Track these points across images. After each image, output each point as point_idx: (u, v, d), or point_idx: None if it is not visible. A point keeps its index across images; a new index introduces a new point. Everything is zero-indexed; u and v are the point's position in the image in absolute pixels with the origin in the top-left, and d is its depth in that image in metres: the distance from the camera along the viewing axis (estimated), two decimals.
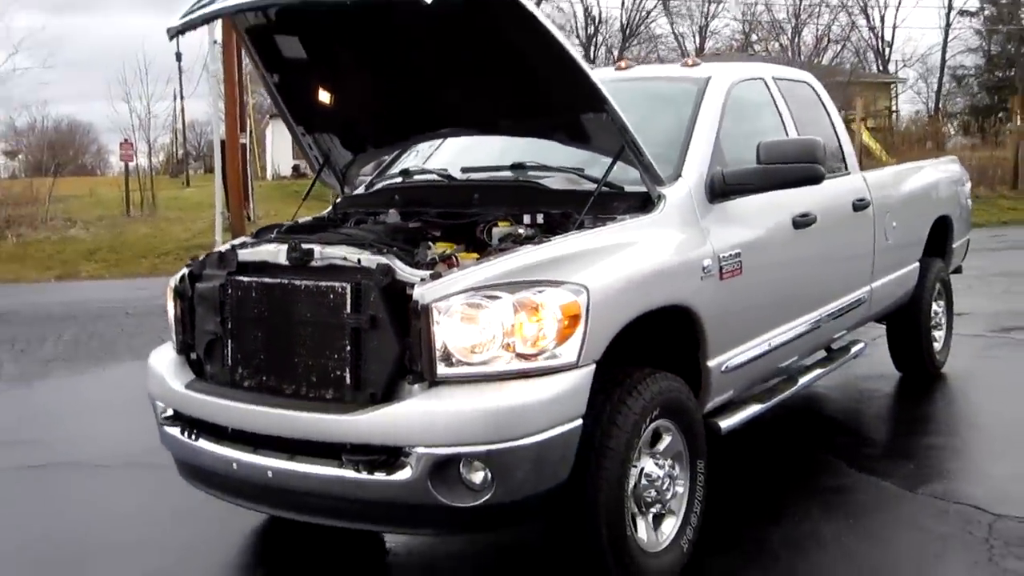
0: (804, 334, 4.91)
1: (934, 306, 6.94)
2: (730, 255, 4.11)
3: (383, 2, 3.12)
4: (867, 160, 27.28)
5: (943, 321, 7.17)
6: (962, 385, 6.88)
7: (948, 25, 54.28)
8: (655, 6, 48.81)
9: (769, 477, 5.14)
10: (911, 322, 6.71)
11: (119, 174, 26.80)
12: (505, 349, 3.22)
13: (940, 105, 53.62)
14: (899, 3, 67.44)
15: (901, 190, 6.34)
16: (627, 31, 48.10)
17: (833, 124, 5.73)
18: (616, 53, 47.16)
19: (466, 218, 4.07)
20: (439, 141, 4.97)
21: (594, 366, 3.34)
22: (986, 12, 53.89)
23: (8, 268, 16.21)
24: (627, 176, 4.01)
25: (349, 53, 4.20)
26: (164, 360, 4.01)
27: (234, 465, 3.54)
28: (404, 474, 3.16)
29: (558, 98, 3.85)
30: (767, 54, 50.51)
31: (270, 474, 3.42)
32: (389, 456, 3.19)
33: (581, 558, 3.47)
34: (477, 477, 3.17)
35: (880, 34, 55.64)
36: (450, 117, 4.39)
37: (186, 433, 3.77)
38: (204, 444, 3.69)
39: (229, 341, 3.71)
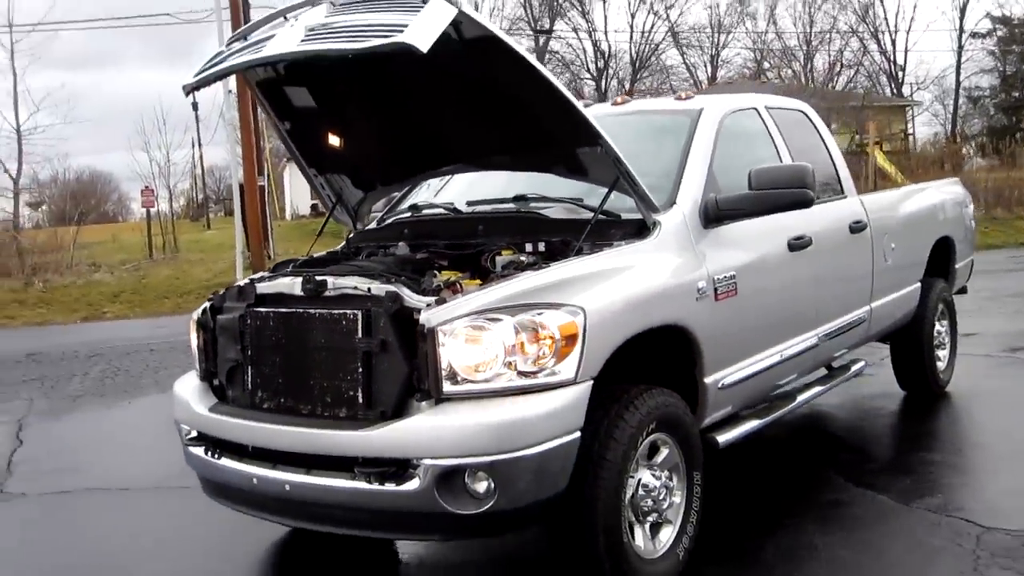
0: (802, 353, 5.09)
1: (937, 326, 7.09)
2: (725, 277, 4.32)
3: (381, 53, 3.35)
4: (883, 183, 27.41)
5: (947, 340, 7.32)
6: (965, 404, 7.02)
7: (961, 47, 54.52)
8: (663, 38, 49.29)
9: (770, 491, 5.32)
10: (914, 341, 6.87)
11: (140, 220, 27.44)
12: (507, 367, 3.45)
13: (957, 127, 53.74)
14: (910, 27, 68.14)
15: (899, 212, 6.53)
16: (637, 64, 48.56)
17: (828, 150, 5.94)
18: (627, 85, 47.61)
19: (472, 248, 4.31)
20: (447, 177, 5.22)
21: (591, 382, 3.55)
22: (999, 33, 54.08)
23: (36, 312, 16.59)
24: (624, 204, 4.24)
25: (355, 99, 4.48)
26: (188, 387, 4.27)
27: (254, 480, 3.78)
28: (412, 484, 3.38)
29: (554, 134, 4.09)
30: (780, 81, 50.85)
31: (288, 487, 3.65)
32: (398, 468, 3.42)
33: (580, 564, 3.67)
34: (481, 486, 3.39)
35: (892, 58, 55.91)
36: (452, 155, 4.66)
37: (210, 453, 4.02)
38: (226, 462, 3.93)
39: (249, 367, 3.95)
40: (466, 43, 3.69)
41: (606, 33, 49.91)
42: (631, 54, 48.88)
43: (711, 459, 4.30)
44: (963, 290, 8.09)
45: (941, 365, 7.19)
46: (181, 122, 43.69)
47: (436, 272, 3.92)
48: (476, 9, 4.17)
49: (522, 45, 3.71)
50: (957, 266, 7.50)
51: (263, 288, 4.03)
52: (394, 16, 3.44)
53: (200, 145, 47.16)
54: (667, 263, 4.10)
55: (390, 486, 3.42)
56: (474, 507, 3.40)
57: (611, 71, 49.13)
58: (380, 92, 4.38)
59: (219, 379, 4.13)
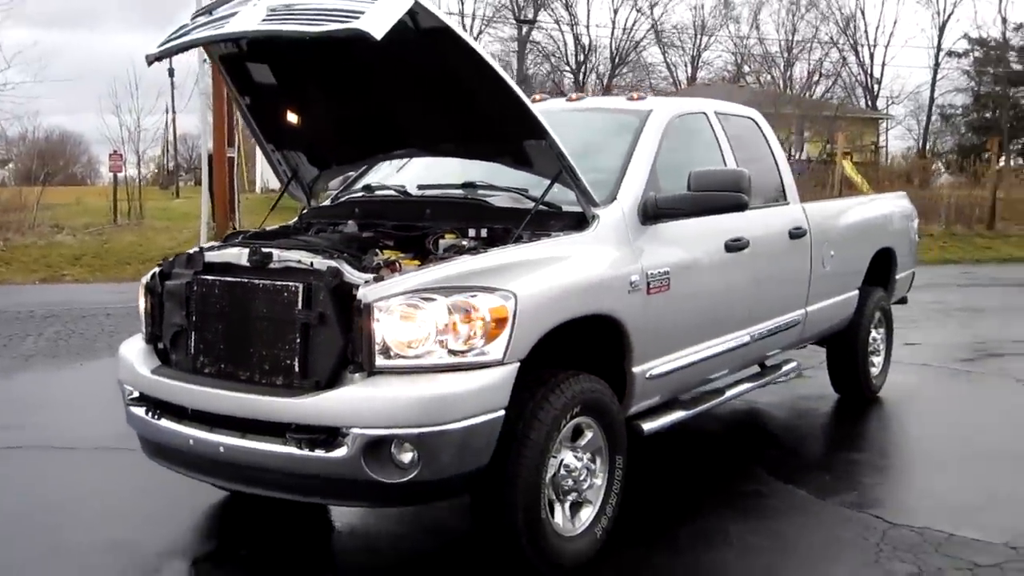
0: (733, 350, 5.29)
1: (873, 333, 7.34)
2: (658, 272, 4.51)
3: (337, 38, 3.49)
4: (849, 192, 27.77)
5: (882, 348, 7.57)
6: (896, 409, 7.28)
7: (937, 65, 55.18)
8: (644, 36, 49.54)
9: (696, 480, 5.54)
10: (849, 347, 7.11)
11: (108, 184, 27.19)
12: (438, 345, 3.61)
13: (928, 143, 54.47)
14: (888, 42, 68.88)
15: (841, 222, 6.76)
16: (616, 59, 48.76)
17: (775, 158, 6.14)
18: (605, 80, 47.82)
19: (418, 230, 4.47)
20: (404, 160, 5.36)
21: (518, 364, 3.72)
22: (975, 54, 54.83)
23: None
24: (566, 197, 4.41)
25: (314, 79, 4.61)
26: (134, 349, 4.40)
27: (191, 441, 3.92)
28: (341, 452, 3.54)
29: (503, 126, 4.25)
30: (758, 86, 51.26)
31: (222, 449, 3.80)
32: (328, 436, 3.57)
33: (499, 536, 3.85)
34: (406, 457, 3.55)
35: (869, 71, 56.52)
36: (406, 139, 4.82)
37: (150, 413, 4.15)
38: (166, 423, 4.07)
39: (193, 332, 4.09)
40: (422, 32, 3.83)
41: (588, 27, 50.13)
42: (611, 49, 49.09)
43: (643, 447, 4.50)
44: (903, 300, 8.36)
45: (875, 371, 7.44)
46: (154, 87, 43.41)
47: (378, 251, 4.06)
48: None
49: (474, 38, 3.85)
50: (898, 277, 7.75)
51: (211, 257, 4.17)
52: (352, 2, 3.58)
53: (174, 112, 46.98)
54: (602, 255, 4.27)
55: (319, 452, 3.58)
56: (398, 476, 3.56)
57: (590, 65, 49.34)
58: (339, 74, 4.51)
59: (164, 343, 4.26)
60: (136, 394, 4.27)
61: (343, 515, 4.84)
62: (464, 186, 4.70)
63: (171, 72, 44.64)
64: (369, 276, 3.70)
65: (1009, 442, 6.36)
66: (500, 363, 3.66)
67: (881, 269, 7.44)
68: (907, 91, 59.85)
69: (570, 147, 4.61)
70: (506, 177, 4.63)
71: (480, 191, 4.63)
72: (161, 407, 4.13)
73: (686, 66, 57.92)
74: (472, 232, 4.35)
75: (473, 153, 4.66)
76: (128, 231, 21.93)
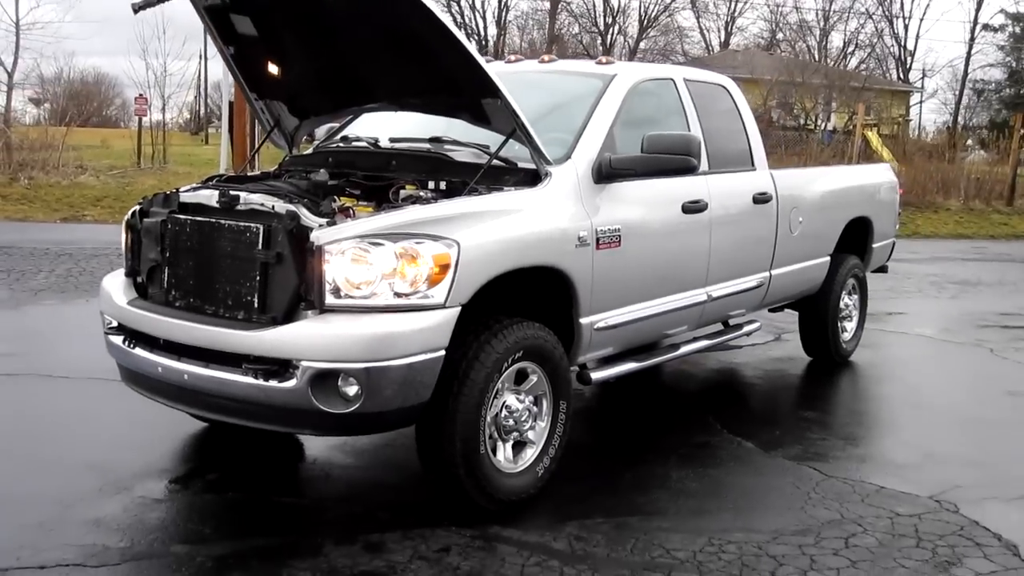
0: (688, 307, 5.54)
1: (845, 299, 7.57)
2: (609, 230, 4.75)
3: None
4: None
5: (854, 314, 7.79)
6: (863, 372, 7.53)
7: (972, 39, 54.50)
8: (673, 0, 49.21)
9: (652, 431, 5.84)
10: (820, 311, 7.35)
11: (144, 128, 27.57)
12: (386, 287, 3.89)
13: (959, 118, 53.92)
14: (924, 14, 67.95)
15: (811, 189, 6.96)
16: (644, 22, 48.51)
17: (745, 125, 6.33)
18: (632, 43, 47.61)
19: (383, 180, 4.74)
20: (388, 113, 5.61)
21: (459, 308, 3.99)
22: (1012, 28, 54.11)
23: (17, 208, 16.94)
24: (523, 154, 4.65)
25: (291, 33, 4.87)
26: (115, 282, 4.72)
27: (159, 369, 4.24)
28: (291, 383, 3.84)
29: (461, 83, 4.49)
30: (792, 54, 50.88)
31: (186, 376, 4.12)
32: (281, 367, 3.87)
33: (438, 467, 4.15)
34: (351, 390, 3.85)
35: (903, 43, 55.89)
36: (376, 93, 5.07)
37: (126, 342, 4.47)
38: (139, 351, 4.39)
39: (166, 268, 4.39)
40: None
41: None
42: (639, 12, 48.84)
43: (611, 398, 4.76)
44: (883, 269, 8.55)
45: (846, 336, 7.68)
46: (182, 31, 43.47)
47: (336, 197, 4.33)
48: None
49: (434, 2, 4.09)
50: (875, 246, 7.95)
51: (186, 197, 4.46)
52: None
53: (206, 58, 47.21)
54: (551, 211, 4.51)
55: (272, 382, 3.88)
56: (343, 407, 3.86)
57: (618, 27, 49.10)
58: (314, 28, 4.75)
59: (141, 277, 4.57)
60: (115, 324, 4.59)
61: (309, 448, 5.18)
62: (431, 140, 4.96)
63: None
64: (324, 220, 3.98)
65: (963, 407, 6.61)
66: (442, 306, 3.94)
67: (857, 237, 7.64)
68: (940, 65, 59.07)
69: (535, 107, 4.88)
70: (472, 133, 4.87)
71: (445, 145, 4.89)
72: (136, 336, 4.44)
73: (719, 31, 57.58)
74: (431, 184, 4.61)
75: (435, 109, 4.92)
76: (150, 175, 22.28)
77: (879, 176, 8.25)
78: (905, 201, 24.43)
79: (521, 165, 4.64)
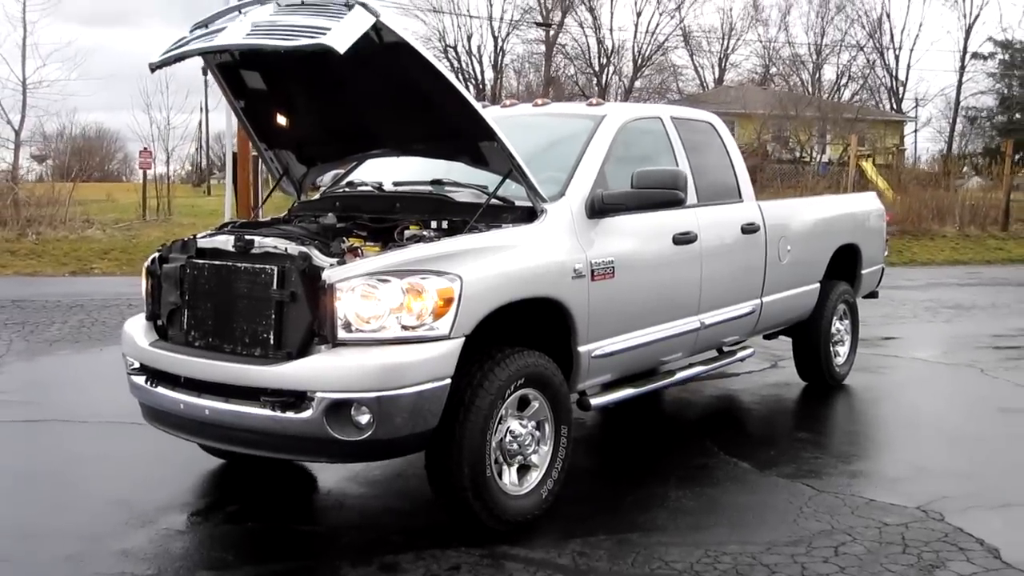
0: (682, 334, 5.79)
1: (837, 324, 7.82)
2: (603, 262, 5.02)
3: (306, 52, 4.05)
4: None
5: (846, 338, 8.04)
6: (856, 395, 7.75)
7: (963, 67, 55.08)
8: (666, 39, 49.88)
9: (653, 454, 6.08)
10: (812, 336, 7.60)
11: (142, 181, 27.99)
12: (393, 321, 4.15)
13: (953, 146, 54.37)
14: (914, 45, 68.84)
15: (798, 219, 7.23)
16: (639, 62, 49.16)
17: (731, 159, 6.62)
18: (627, 82, 48.22)
19: (388, 222, 5.02)
20: (389, 159, 5.89)
21: (464, 338, 4.25)
22: (1001, 56, 54.74)
23: (27, 263, 17.27)
24: (520, 193, 4.93)
25: (299, 86, 5.17)
26: (136, 325, 4.99)
27: (181, 405, 4.49)
28: (307, 413, 4.08)
29: (460, 129, 4.78)
30: (786, 88, 51.48)
31: (207, 412, 4.37)
32: (297, 399, 4.12)
33: (448, 490, 4.38)
34: (363, 418, 4.09)
35: (894, 73, 56.54)
36: (380, 140, 5.38)
37: (148, 382, 4.72)
38: (161, 390, 4.64)
39: (186, 310, 4.65)
40: (386, 46, 4.38)
41: (611, 31, 50.51)
42: (633, 52, 49.50)
43: (615, 423, 4.99)
44: (873, 294, 8.80)
45: (839, 360, 7.91)
46: (184, 85, 44.08)
47: (344, 239, 4.60)
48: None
49: (431, 52, 4.40)
50: (864, 272, 8.21)
51: (203, 243, 4.73)
52: (322, 20, 4.14)
53: (207, 110, 47.84)
54: (547, 245, 4.78)
55: (289, 414, 4.12)
56: (356, 435, 4.10)
57: (613, 67, 49.77)
58: (320, 81, 5.05)
59: (161, 319, 4.83)
60: (137, 365, 4.84)
61: (323, 480, 5.41)
62: (432, 183, 5.24)
63: (204, 71, 45.42)
64: (334, 260, 4.25)
65: (954, 424, 6.84)
66: (447, 337, 4.20)
67: (846, 264, 7.90)
68: (932, 94, 59.80)
69: (530, 148, 5.17)
70: (471, 175, 5.16)
71: (446, 187, 5.17)
72: (158, 376, 4.70)
73: (713, 68, 58.29)
74: (434, 223, 4.88)
75: (437, 153, 5.21)
76: (155, 227, 22.64)
77: (865, 204, 8.53)
78: (901, 229, 24.93)
79: (518, 203, 4.91)
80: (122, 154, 61.43)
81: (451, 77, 4.49)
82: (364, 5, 4.11)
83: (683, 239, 5.68)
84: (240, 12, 4.55)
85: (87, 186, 28.31)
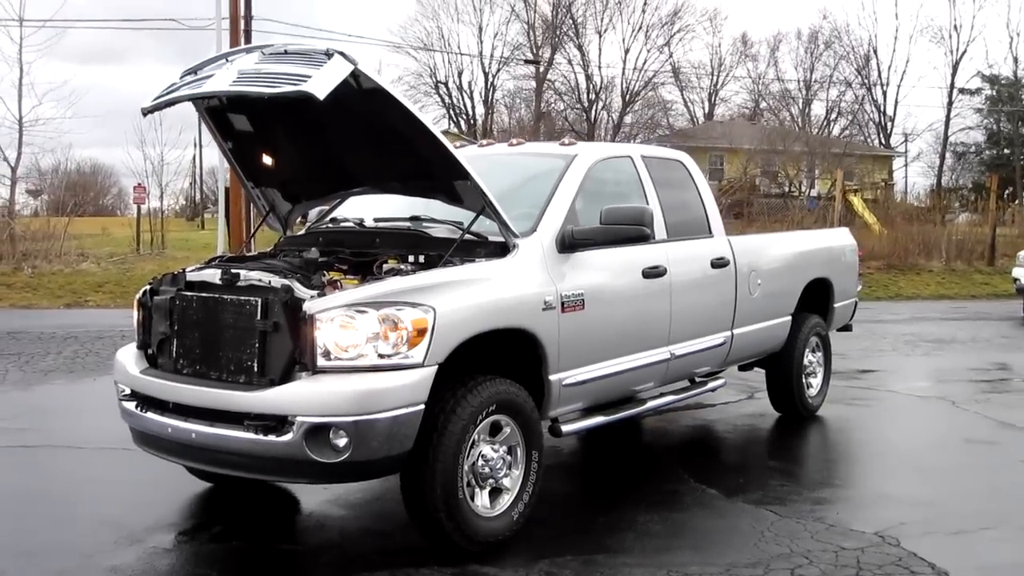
0: (652, 364, 6.02)
1: (809, 356, 8.05)
2: (573, 294, 5.27)
3: (288, 98, 4.32)
4: (865, 231, 28.42)
5: (819, 371, 8.27)
6: (830, 426, 7.97)
7: (951, 103, 55.76)
8: (654, 75, 50.52)
9: (626, 481, 6.30)
10: (784, 368, 7.83)
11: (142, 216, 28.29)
12: (370, 349, 4.39)
13: (943, 180, 54.95)
14: (901, 80, 69.70)
15: (769, 253, 7.50)
16: (627, 97, 49.75)
17: (701, 196, 6.89)
18: (616, 117, 48.78)
19: (368, 256, 5.28)
20: (372, 196, 6.15)
21: (437, 366, 4.49)
22: (986, 92, 55.46)
23: (22, 295, 17.53)
24: (493, 229, 5.19)
25: (283, 128, 5.45)
26: (127, 354, 5.23)
27: (169, 429, 4.73)
28: (287, 436, 4.32)
29: (434, 168, 5.05)
30: (776, 123, 52.07)
31: (193, 435, 4.60)
32: (278, 423, 4.35)
33: (421, 511, 4.60)
34: (341, 441, 4.32)
35: (883, 109, 57.22)
36: (360, 179, 5.65)
37: (139, 407, 4.96)
38: (151, 415, 4.87)
39: (175, 339, 4.90)
40: (365, 91, 4.66)
41: (599, 67, 51.16)
42: (622, 88, 50.12)
43: (591, 451, 5.20)
44: (847, 328, 9.04)
45: (812, 391, 8.14)
46: (179, 121, 44.43)
47: (325, 272, 4.86)
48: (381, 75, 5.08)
49: (406, 96, 4.68)
50: (836, 305, 8.46)
51: (191, 276, 4.99)
52: (303, 68, 4.42)
53: (200, 146, 48.24)
54: (518, 279, 5.03)
55: (271, 437, 4.36)
56: (334, 457, 4.33)
57: (601, 103, 50.35)
58: (303, 123, 5.32)
59: (152, 348, 5.07)
60: (128, 391, 5.08)
61: (305, 502, 5.63)
62: (411, 219, 5.50)
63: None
64: (315, 292, 4.50)
65: (920, 454, 7.06)
66: (421, 365, 4.44)
67: (818, 298, 8.16)
68: (920, 129, 60.63)
69: (504, 186, 5.45)
70: (447, 212, 5.41)
71: (423, 223, 5.43)
72: (147, 402, 4.93)
73: (703, 103, 59.01)
74: (411, 258, 5.14)
75: (414, 191, 5.48)
76: (149, 260, 22.90)
77: (838, 239, 8.81)
78: (888, 263, 25.20)
79: (491, 239, 5.16)
80: (116, 189, 61.88)
81: (426, 120, 4.76)
82: (343, 54, 4.39)
83: (652, 273, 5.93)
84: (227, 60, 4.83)
85: (82, 220, 28.61)
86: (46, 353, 10.98)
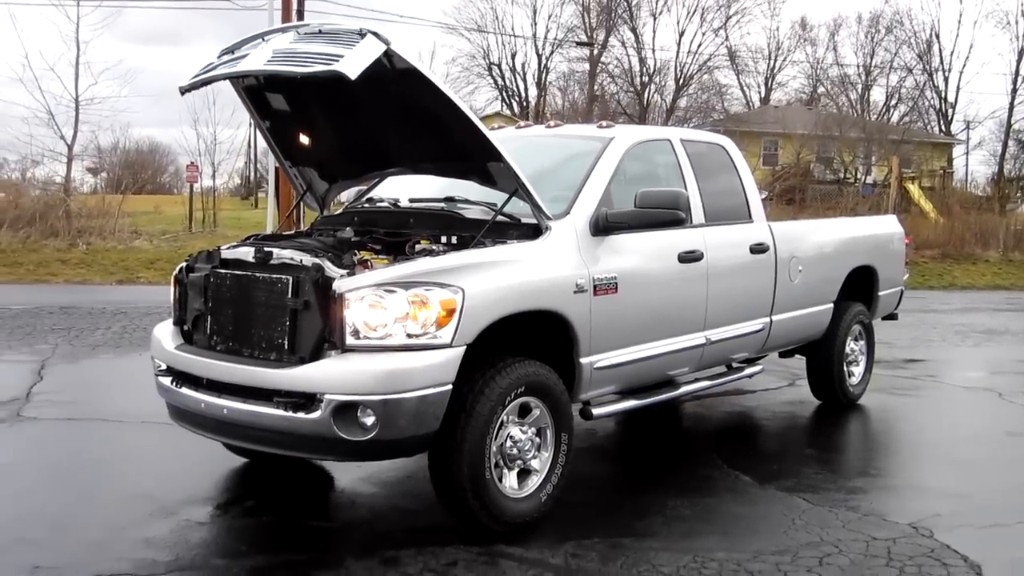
0: (687, 349, 5.98)
1: (852, 344, 7.95)
2: (606, 278, 5.24)
3: (321, 78, 4.34)
4: (921, 219, 28.00)
5: (861, 359, 8.16)
6: (871, 415, 7.87)
7: (1015, 90, 54.42)
8: (709, 58, 49.97)
9: (659, 465, 6.28)
10: (825, 356, 7.74)
11: (195, 194, 28.72)
12: (399, 329, 4.41)
13: (1004, 168, 53.74)
14: (963, 67, 68.20)
15: (811, 240, 7.39)
16: (680, 81, 49.30)
17: (742, 181, 6.81)
18: (669, 100, 48.39)
19: (401, 236, 5.30)
20: (410, 177, 6.17)
21: (465, 347, 4.49)
22: None
23: (76, 271, 17.88)
24: (527, 211, 5.18)
25: (320, 107, 5.47)
26: (164, 330, 5.31)
27: (202, 405, 4.80)
28: (316, 414, 4.36)
29: (469, 150, 5.04)
30: (835, 108, 51.25)
31: (225, 411, 4.66)
32: (307, 400, 4.39)
33: (449, 490, 4.63)
34: (369, 420, 4.35)
35: (944, 95, 56.03)
36: (396, 159, 5.66)
37: (174, 383, 5.03)
38: (185, 390, 4.95)
39: (209, 316, 4.96)
40: (399, 72, 4.67)
41: (653, 50, 50.69)
42: (675, 71, 49.65)
43: (629, 436, 5.19)
44: (893, 316, 8.90)
45: (853, 380, 8.04)
46: (231, 101, 44.88)
47: (356, 251, 4.88)
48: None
49: (439, 77, 4.67)
50: (881, 294, 8.32)
51: (226, 254, 5.05)
52: (336, 48, 4.44)
53: (254, 126, 48.63)
54: (550, 261, 5.02)
55: (300, 414, 4.40)
56: (362, 435, 4.36)
57: (655, 86, 49.94)
58: (339, 103, 5.34)
59: (187, 325, 5.14)
60: (164, 367, 5.16)
61: (339, 479, 5.69)
62: (446, 200, 5.51)
63: None
64: (345, 271, 4.53)
65: (960, 446, 6.95)
66: (449, 345, 4.45)
67: (862, 285, 8.04)
68: (982, 116, 59.33)
69: (540, 168, 5.45)
70: (482, 193, 5.41)
71: (457, 204, 5.43)
72: (182, 377, 5.01)
73: (759, 87, 58.28)
74: (444, 239, 5.15)
75: (448, 172, 5.48)
76: (201, 238, 23.19)
77: (885, 227, 8.67)
78: (943, 252, 24.76)
79: (524, 220, 5.16)
80: (173, 167, 62.61)
81: (459, 102, 4.75)
82: (376, 34, 4.40)
83: (689, 257, 5.89)
84: (263, 39, 4.86)
85: (136, 198, 29.05)
86: (95, 328, 11.20)
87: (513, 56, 51.42)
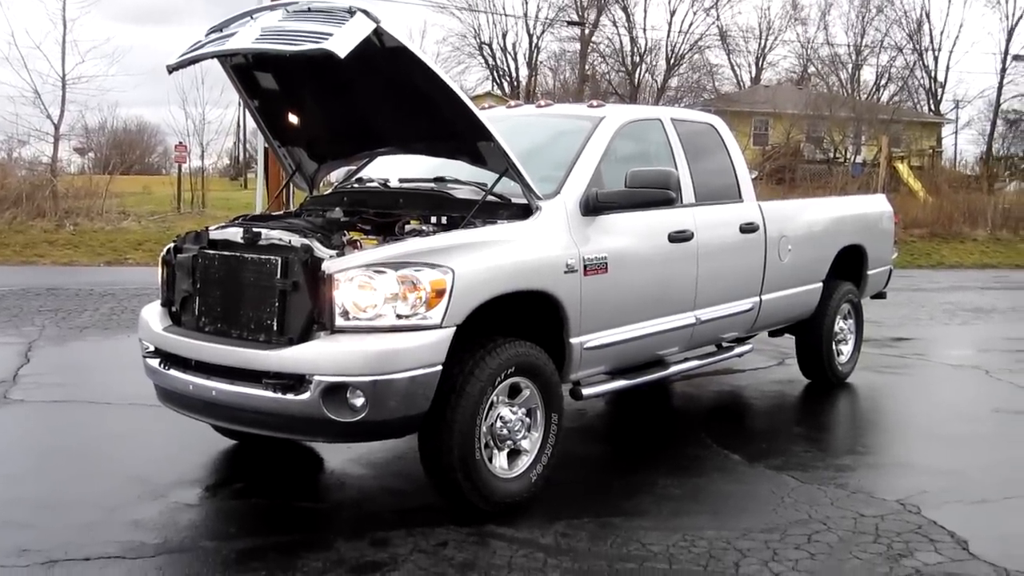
0: (677, 329, 5.98)
1: (840, 323, 7.97)
2: (596, 257, 5.23)
3: (310, 56, 4.30)
4: (910, 198, 28.04)
5: (850, 338, 8.18)
6: (859, 394, 7.90)
7: (1004, 69, 54.42)
8: (700, 38, 49.78)
9: (646, 445, 6.30)
10: (814, 335, 7.76)
11: (184, 175, 28.51)
12: (388, 310, 4.39)
13: (993, 148, 53.80)
14: (953, 46, 68.08)
15: (800, 219, 7.39)
16: (671, 61, 49.12)
17: (732, 161, 6.79)
18: (660, 80, 48.24)
19: (391, 216, 5.27)
20: (401, 157, 6.14)
21: (455, 328, 4.48)
22: None
23: (63, 252, 17.79)
24: (517, 191, 5.16)
25: (309, 86, 5.43)
26: (151, 311, 5.28)
27: (191, 387, 4.78)
28: (305, 395, 4.34)
29: (458, 129, 5.01)
30: (825, 88, 51.14)
31: (214, 393, 4.64)
32: (296, 382, 4.38)
33: (438, 470, 4.62)
34: (358, 401, 4.34)
35: (933, 75, 55.97)
36: (385, 139, 5.62)
37: (162, 364, 5.01)
38: (173, 372, 4.93)
39: (197, 297, 4.93)
40: (388, 50, 4.63)
41: (644, 30, 50.48)
42: (666, 51, 49.44)
43: (621, 417, 5.19)
44: (881, 295, 8.93)
45: (842, 359, 8.06)
46: (220, 80, 44.56)
47: (345, 232, 4.86)
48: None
49: (429, 56, 4.64)
50: (870, 272, 8.34)
51: (214, 234, 5.01)
52: (325, 26, 4.39)
53: (243, 106, 48.32)
54: (540, 241, 5.00)
55: (289, 395, 4.39)
56: (351, 416, 4.35)
57: (646, 66, 49.71)
58: (328, 82, 5.29)
59: (175, 306, 5.12)
60: (151, 348, 5.13)
61: (328, 461, 5.68)
62: (435, 180, 5.49)
63: None
64: (334, 252, 4.50)
65: (948, 423, 6.98)
66: (439, 326, 4.43)
67: (851, 264, 8.05)
68: (972, 95, 59.24)
69: (530, 147, 5.43)
70: (472, 173, 5.39)
71: (447, 184, 5.41)
72: (170, 359, 4.98)
73: (750, 67, 58.09)
74: (434, 219, 5.13)
75: (438, 152, 5.46)
76: (189, 219, 23.03)
77: (873, 206, 8.67)
78: (931, 231, 24.81)
79: (514, 200, 5.13)
80: (162, 148, 62.17)
81: (449, 80, 4.71)
82: (365, 12, 4.36)
83: (679, 237, 5.88)
84: (251, 17, 4.81)
85: (125, 179, 28.86)
86: (83, 310, 11.15)
87: (504, 35, 51.12)
